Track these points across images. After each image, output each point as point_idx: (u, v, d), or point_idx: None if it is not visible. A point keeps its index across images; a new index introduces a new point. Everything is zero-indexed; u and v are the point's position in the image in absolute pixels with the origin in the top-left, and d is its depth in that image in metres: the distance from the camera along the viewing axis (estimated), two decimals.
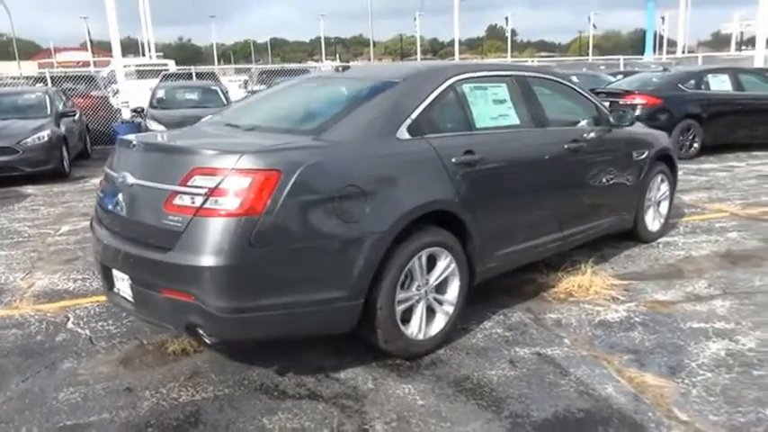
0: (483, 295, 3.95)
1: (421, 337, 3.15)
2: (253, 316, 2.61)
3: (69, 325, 3.75)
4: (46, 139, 8.94)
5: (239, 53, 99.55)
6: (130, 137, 3.14)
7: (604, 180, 4.36)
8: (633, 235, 4.99)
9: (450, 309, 3.29)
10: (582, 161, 4.09)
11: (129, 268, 2.84)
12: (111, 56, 14.44)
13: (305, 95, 3.76)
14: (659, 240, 5.18)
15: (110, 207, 3.05)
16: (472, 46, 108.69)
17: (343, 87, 3.52)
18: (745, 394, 2.79)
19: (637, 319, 3.64)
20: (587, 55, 44.48)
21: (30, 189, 8.53)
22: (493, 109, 3.68)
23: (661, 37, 48.11)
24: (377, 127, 3.04)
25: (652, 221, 5.11)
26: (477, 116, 3.52)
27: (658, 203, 5.19)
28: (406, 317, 3.11)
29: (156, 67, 18.57)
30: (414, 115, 3.15)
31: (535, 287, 4.16)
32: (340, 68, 3.90)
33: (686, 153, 9.41)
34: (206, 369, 3.14)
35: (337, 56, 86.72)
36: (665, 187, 5.19)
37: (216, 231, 2.53)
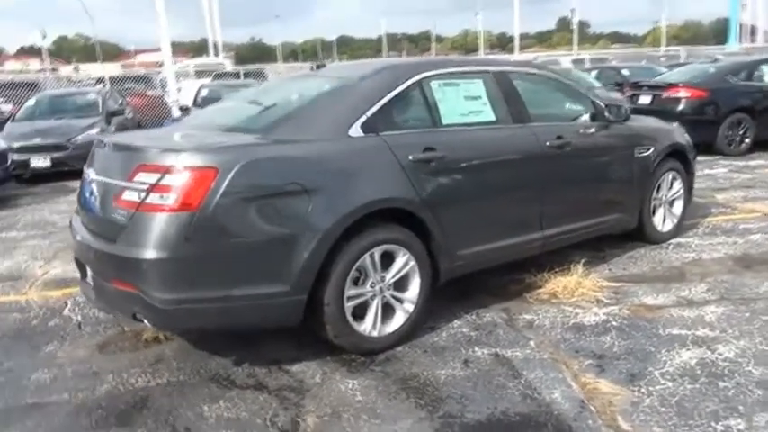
0: (464, 294, 3.91)
1: (375, 333, 3.15)
2: (192, 307, 2.71)
3: (65, 311, 3.99)
4: (95, 136, 9.50)
5: (308, 51, 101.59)
6: (103, 137, 3.32)
7: (596, 178, 4.20)
8: (640, 235, 4.76)
9: (411, 307, 3.27)
10: (567, 158, 3.94)
11: (90, 259, 3.01)
12: (183, 57, 15.14)
13: (275, 95, 3.83)
14: (671, 242, 4.91)
15: (82, 202, 3.24)
16: (542, 39, 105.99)
17: (310, 86, 3.56)
18: (702, 406, 2.63)
19: (614, 323, 3.49)
20: (661, 46, 42.46)
21: (78, 183, 9.05)
22: (465, 105, 3.61)
23: (743, 26, 45.18)
24: (327, 125, 3.06)
25: (662, 222, 4.85)
26: (444, 113, 3.47)
27: (670, 203, 4.92)
28: (361, 313, 3.13)
29: (212, 68, 19.27)
30: (369, 113, 3.15)
31: (521, 287, 4.05)
32: (314, 67, 3.95)
33: (736, 149, 8.83)
34: (170, 356, 3.27)
35: (404, 52, 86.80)
36: (677, 185, 4.91)
37: (154, 225, 2.64)
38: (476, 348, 3.24)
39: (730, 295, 3.82)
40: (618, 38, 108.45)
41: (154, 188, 2.66)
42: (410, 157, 3.17)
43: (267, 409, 2.72)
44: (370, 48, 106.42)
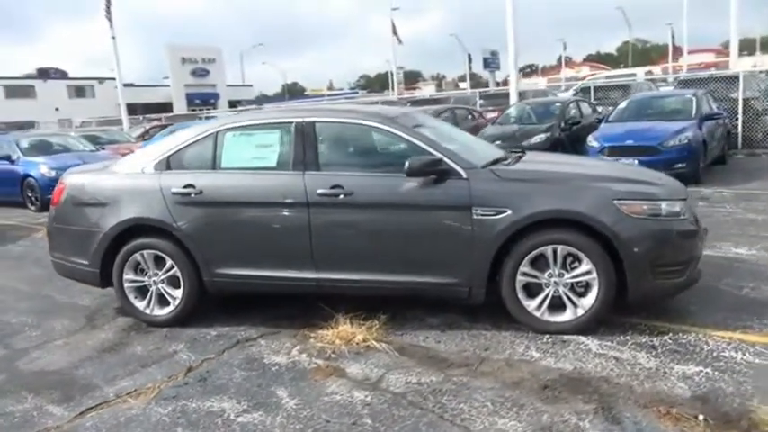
0: (282, 315, 4.50)
1: (149, 312, 4.47)
2: (57, 262, 4.79)
3: None
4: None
5: None
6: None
7: (393, 233, 3.91)
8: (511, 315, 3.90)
9: (177, 302, 4.39)
10: (346, 207, 3.95)
11: None
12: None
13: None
14: (564, 337, 3.74)
15: None
16: None
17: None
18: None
19: (275, 368, 3.67)
20: None
21: None
22: (253, 152, 4.26)
23: None
24: (132, 164, 4.54)
25: (545, 307, 3.78)
26: (225, 158, 4.29)
27: (578, 287, 3.74)
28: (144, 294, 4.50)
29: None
30: (162, 157, 4.41)
31: (316, 323, 4.21)
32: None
33: None
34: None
35: None
36: (585, 267, 3.67)
37: (49, 212, 4.85)
38: (171, 347, 4.12)
39: (410, 393, 3.19)
40: None
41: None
42: (172, 190, 4.27)
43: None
44: None
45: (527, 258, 3.76)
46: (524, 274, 3.79)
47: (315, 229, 4.04)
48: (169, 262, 4.34)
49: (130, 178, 4.51)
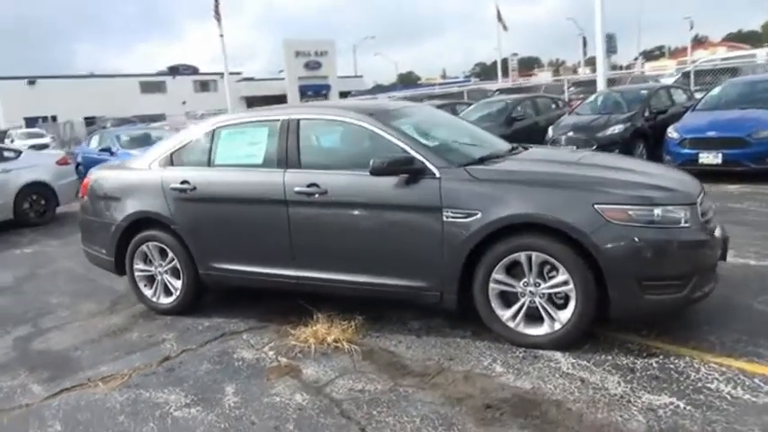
0: (275, 311, 4.56)
1: (155, 300, 4.71)
2: (87, 251, 5.15)
3: None
4: None
5: None
6: None
7: (366, 234, 3.77)
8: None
9: (178, 292, 4.59)
10: (323, 206, 3.87)
11: None
12: None
13: None
14: (539, 352, 3.43)
15: None
16: None
17: None
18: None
19: (248, 362, 3.70)
20: None
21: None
22: (245, 149, 4.31)
23: None
24: (144, 160, 4.75)
25: (519, 317, 3.48)
26: (219, 155, 4.38)
27: (555, 298, 3.41)
28: (152, 282, 4.74)
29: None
30: (166, 154, 4.60)
31: (297, 320, 4.19)
32: None
33: None
34: None
35: None
36: (562, 277, 3.32)
37: (80, 204, 5.24)
38: (162, 336, 4.31)
39: (347, 400, 3.07)
40: None
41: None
42: (171, 186, 4.44)
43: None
44: None
45: (500, 265, 3.48)
46: (497, 281, 3.51)
47: (294, 227, 4.02)
48: (170, 254, 4.53)
49: (140, 174, 4.75)
